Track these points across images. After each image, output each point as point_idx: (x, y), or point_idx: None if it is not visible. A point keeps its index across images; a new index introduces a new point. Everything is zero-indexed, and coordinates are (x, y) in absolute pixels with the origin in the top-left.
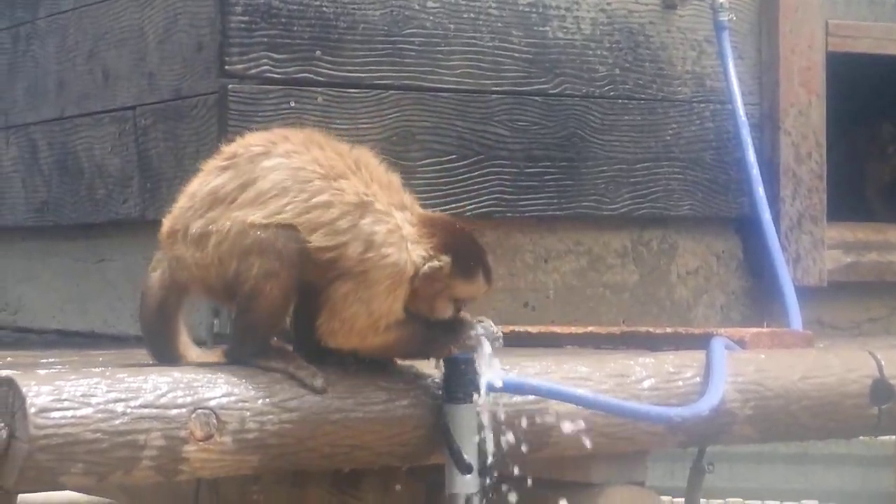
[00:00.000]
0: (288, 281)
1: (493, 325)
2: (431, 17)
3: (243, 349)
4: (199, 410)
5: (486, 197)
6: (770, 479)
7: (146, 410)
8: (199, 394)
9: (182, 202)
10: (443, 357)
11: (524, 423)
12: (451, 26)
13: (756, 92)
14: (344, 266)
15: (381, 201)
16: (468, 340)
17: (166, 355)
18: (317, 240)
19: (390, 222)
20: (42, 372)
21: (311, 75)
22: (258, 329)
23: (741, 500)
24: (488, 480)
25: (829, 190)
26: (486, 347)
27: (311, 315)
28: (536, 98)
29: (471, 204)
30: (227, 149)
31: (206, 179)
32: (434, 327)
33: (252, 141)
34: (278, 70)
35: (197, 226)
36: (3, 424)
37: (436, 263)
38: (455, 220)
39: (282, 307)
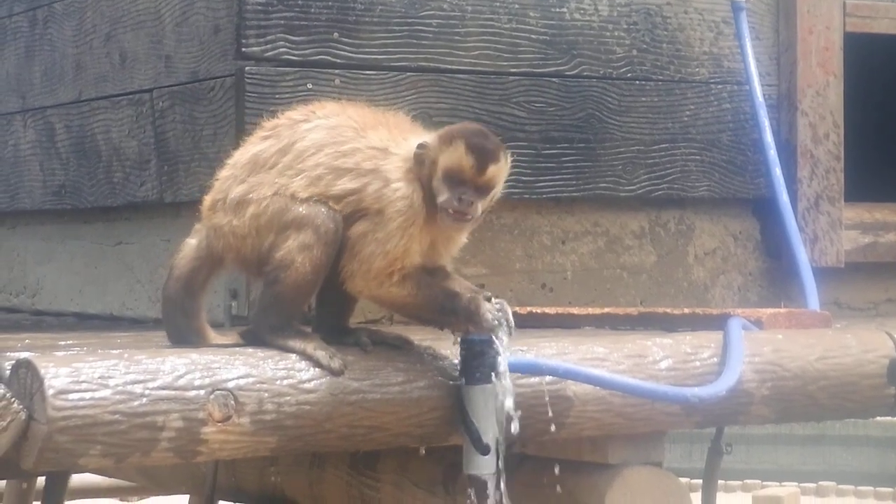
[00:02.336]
0: (321, 258)
1: (508, 308)
2: None
3: (266, 321)
4: (218, 392)
5: None
6: (787, 461)
7: (164, 392)
8: (217, 375)
9: (223, 173)
10: (459, 331)
11: (541, 404)
12: (469, 8)
13: (773, 73)
14: (364, 207)
15: (400, 147)
16: (485, 324)
17: (184, 332)
18: (344, 184)
19: (399, 158)
20: (60, 354)
21: (329, 57)
22: (283, 303)
23: (759, 481)
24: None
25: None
26: (503, 330)
27: (332, 296)
28: (554, 79)
29: None
30: (269, 122)
31: (248, 149)
32: (454, 299)
33: (293, 112)
34: (296, 52)
35: (237, 191)
36: (21, 406)
37: (424, 143)
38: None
39: (310, 283)
